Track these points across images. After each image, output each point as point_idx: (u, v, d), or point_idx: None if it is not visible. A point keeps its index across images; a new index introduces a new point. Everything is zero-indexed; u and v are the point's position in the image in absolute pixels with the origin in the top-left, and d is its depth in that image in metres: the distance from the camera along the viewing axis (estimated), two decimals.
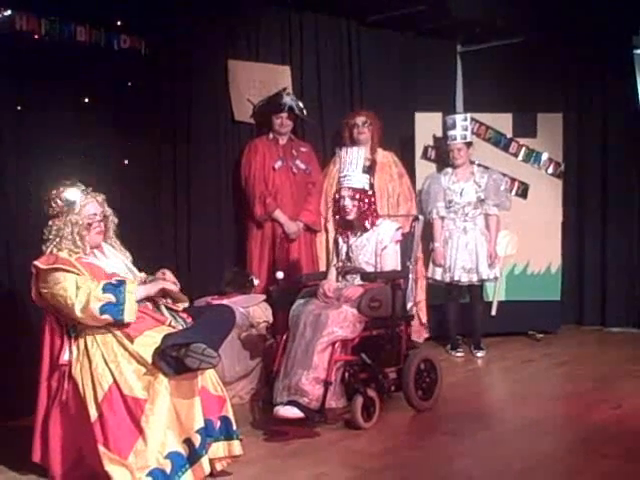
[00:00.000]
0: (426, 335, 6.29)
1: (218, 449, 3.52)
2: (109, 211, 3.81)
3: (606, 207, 6.87)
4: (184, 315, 3.77)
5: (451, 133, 6.06)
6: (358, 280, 4.61)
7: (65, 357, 3.53)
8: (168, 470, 3.35)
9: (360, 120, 5.92)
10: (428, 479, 3.73)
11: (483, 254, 5.97)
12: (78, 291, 3.44)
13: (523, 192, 6.55)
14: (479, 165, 6.20)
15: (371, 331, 4.47)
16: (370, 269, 4.65)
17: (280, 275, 4.77)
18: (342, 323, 4.31)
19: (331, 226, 5.65)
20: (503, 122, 6.55)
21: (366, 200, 4.66)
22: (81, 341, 3.51)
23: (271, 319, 5.13)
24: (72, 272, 3.52)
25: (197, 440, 3.39)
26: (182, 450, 3.39)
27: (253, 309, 5.10)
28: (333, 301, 4.46)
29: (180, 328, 3.64)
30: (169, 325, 3.64)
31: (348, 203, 4.62)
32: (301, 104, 5.95)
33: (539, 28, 6.69)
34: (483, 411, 4.76)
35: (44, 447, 3.56)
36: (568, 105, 6.93)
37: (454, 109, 7.10)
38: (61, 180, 3.75)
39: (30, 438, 3.62)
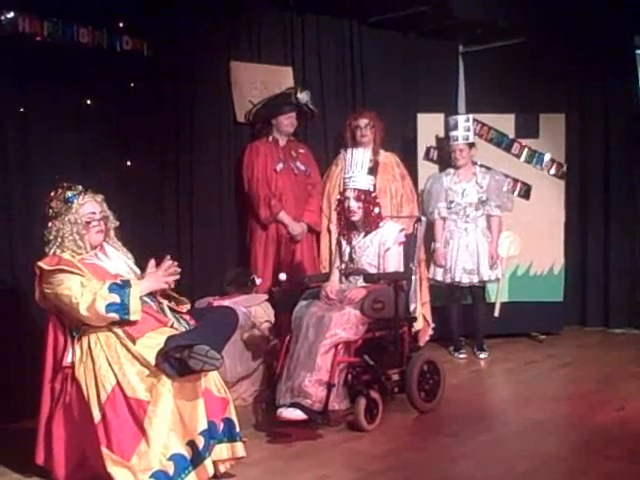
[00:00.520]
0: (428, 336, 6.27)
1: (221, 451, 3.51)
2: (109, 212, 3.81)
3: (609, 208, 6.86)
4: (187, 317, 3.78)
5: (453, 134, 6.06)
6: (361, 282, 4.61)
7: (68, 359, 3.54)
8: (171, 472, 3.34)
9: (363, 122, 5.92)
10: None
11: (484, 255, 5.96)
12: (83, 290, 3.45)
13: (525, 193, 6.54)
14: (481, 166, 6.20)
15: (374, 333, 4.48)
16: (373, 270, 4.65)
17: (283, 277, 4.78)
18: (345, 325, 4.31)
19: (334, 227, 5.64)
20: (505, 123, 6.54)
21: (371, 201, 4.66)
22: (84, 342, 3.51)
23: (273, 319, 5.12)
24: (75, 273, 3.53)
25: (200, 442, 3.39)
26: (185, 452, 3.39)
27: (255, 309, 5.09)
28: (336, 303, 4.47)
29: (183, 330, 3.64)
30: (171, 327, 3.64)
31: (354, 204, 4.62)
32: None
33: (541, 28, 6.68)
34: (486, 412, 4.75)
35: (47, 449, 3.57)
36: (570, 106, 6.92)
37: (456, 110, 7.10)
38: (60, 182, 3.77)
39: (33, 440, 3.63)
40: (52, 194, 3.70)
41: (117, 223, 3.84)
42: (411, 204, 6.10)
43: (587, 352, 6.18)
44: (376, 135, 5.96)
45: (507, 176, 6.35)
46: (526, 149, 6.57)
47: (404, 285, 4.63)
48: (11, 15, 4.54)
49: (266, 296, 5.28)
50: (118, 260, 3.80)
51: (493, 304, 6.33)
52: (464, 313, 6.13)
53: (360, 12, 6.45)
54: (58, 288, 3.49)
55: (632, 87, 6.75)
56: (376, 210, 4.70)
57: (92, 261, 3.68)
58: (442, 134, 6.40)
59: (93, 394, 3.42)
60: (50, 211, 3.69)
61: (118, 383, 3.41)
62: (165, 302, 3.77)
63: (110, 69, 4.99)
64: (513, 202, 6.29)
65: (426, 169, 6.43)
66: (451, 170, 6.12)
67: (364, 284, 4.57)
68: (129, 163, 5.15)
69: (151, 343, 3.47)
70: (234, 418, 3.59)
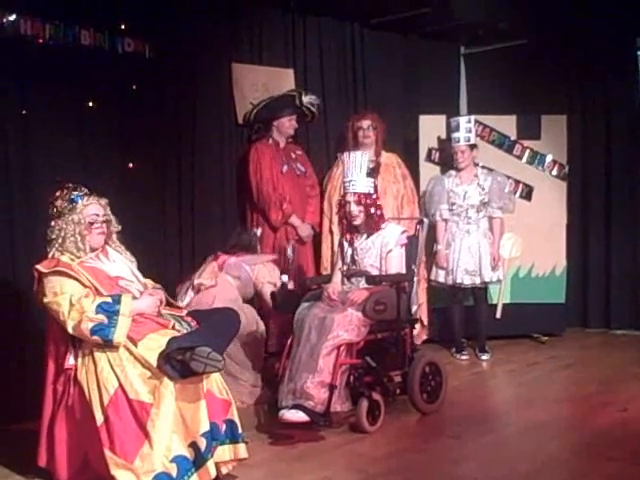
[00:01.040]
0: (425, 337, 6.27)
1: (224, 452, 3.51)
2: (112, 217, 3.82)
3: (610, 209, 6.86)
4: (188, 319, 3.78)
5: (455, 135, 6.06)
6: (363, 283, 4.62)
7: (70, 361, 3.54)
8: (174, 474, 3.34)
9: (366, 123, 5.92)
10: None
11: (486, 257, 5.96)
12: (71, 308, 3.45)
13: (527, 194, 6.54)
14: (483, 167, 6.20)
15: (376, 334, 4.48)
16: (375, 272, 4.66)
17: (284, 278, 4.78)
18: (347, 326, 4.31)
19: (336, 229, 5.65)
20: (507, 124, 6.54)
21: (372, 204, 4.66)
22: (86, 345, 3.51)
23: (278, 282, 5.08)
24: (72, 277, 3.53)
25: (203, 444, 3.39)
26: (188, 454, 3.39)
27: (258, 268, 5.06)
28: (338, 304, 4.47)
29: (185, 331, 3.64)
30: (172, 328, 3.64)
31: (354, 209, 4.63)
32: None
33: (542, 30, 6.68)
34: (488, 414, 4.75)
35: (50, 451, 3.57)
36: (571, 107, 6.92)
37: (458, 111, 7.11)
38: (65, 182, 3.78)
39: (36, 442, 3.63)
40: (57, 193, 3.71)
41: (119, 227, 3.85)
42: (412, 205, 6.12)
43: (589, 353, 6.18)
44: (378, 136, 5.97)
45: (509, 177, 6.35)
46: (528, 150, 6.57)
47: (406, 287, 4.64)
48: (13, 17, 4.55)
49: (273, 256, 5.27)
50: (120, 263, 3.80)
51: (495, 305, 6.33)
52: (466, 314, 6.13)
53: (361, 14, 6.46)
54: (49, 298, 3.50)
55: (633, 88, 6.74)
56: (377, 212, 4.69)
57: (92, 264, 3.68)
58: (444, 135, 6.40)
59: (95, 397, 3.42)
60: (54, 210, 3.69)
61: (120, 385, 3.40)
62: (161, 308, 3.76)
63: (112, 71, 5.00)
64: (515, 203, 6.29)
65: (428, 171, 6.43)
66: (453, 172, 6.12)
67: (366, 286, 4.57)
68: (131, 165, 5.15)
69: (152, 345, 3.47)
70: (236, 420, 3.59)
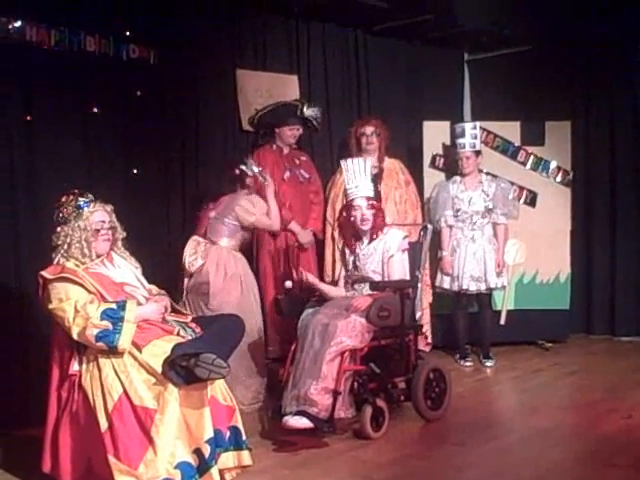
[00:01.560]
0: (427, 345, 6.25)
1: (228, 459, 3.52)
2: (117, 223, 3.82)
3: (615, 215, 6.86)
4: (193, 325, 3.78)
5: (460, 141, 6.06)
6: (367, 289, 4.62)
7: (75, 367, 3.54)
8: None
9: (369, 130, 5.92)
10: None
11: (491, 263, 5.96)
12: (76, 315, 3.45)
13: (531, 200, 6.54)
14: (487, 174, 6.20)
15: (380, 341, 4.48)
16: (377, 278, 4.66)
17: (289, 284, 4.77)
18: (351, 333, 4.31)
19: (337, 235, 5.66)
20: (511, 130, 6.55)
21: (378, 208, 4.73)
22: (91, 351, 3.51)
23: (264, 209, 5.03)
24: (78, 283, 3.54)
25: (207, 450, 3.39)
26: (192, 460, 3.38)
27: (237, 210, 5.02)
28: (342, 311, 4.46)
29: (189, 338, 3.64)
30: (177, 334, 3.64)
31: (367, 212, 4.65)
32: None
33: (546, 36, 6.69)
34: (492, 421, 4.75)
35: (54, 457, 3.56)
36: (576, 113, 6.93)
37: (462, 117, 7.11)
38: (70, 189, 3.78)
39: (40, 448, 3.63)
40: (63, 199, 3.72)
41: (124, 234, 3.86)
42: (415, 210, 6.11)
43: (593, 360, 6.17)
44: (381, 143, 5.96)
45: (513, 184, 6.35)
46: (532, 157, 6.57)
47: (410, 293, 4.63)
48: (19, 24, 4.57)
49: (246, 192, 5.15)
50: (125, 269, 3.81)
51: (499, 312, 6.32)
52: (470, 321, 6.12)
53: (365, 20, 6.47)
54: (55, 304, 3.50)
55: (637, 94, 6.74)
56: (380, 217, 4.72)
57: (97, 270, 3.68)
58: (448, 142, 6.41)
59: (100, 403, 3.42)
60: (60, 216, 3.70)
61: (125, 391, 3.40)
62: (165, 315, 3.76)
63: (116, 77, 5.02)
64: (519, 210, 6.29)
65: (432, 177, 6.44)
66: (457, 178, 6.12)
67: (370, 292, 4.57)
68: (135, 171, 5.16)
69: (157, 351, 3.47)
70: (240, 426, 3.59)
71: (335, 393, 4.19)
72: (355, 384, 4.35)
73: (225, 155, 5.79)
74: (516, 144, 6.56)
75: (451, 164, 6.32)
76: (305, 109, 5.83)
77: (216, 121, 5.72)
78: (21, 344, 4.56)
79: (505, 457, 4.07)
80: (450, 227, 6.04)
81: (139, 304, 3.65)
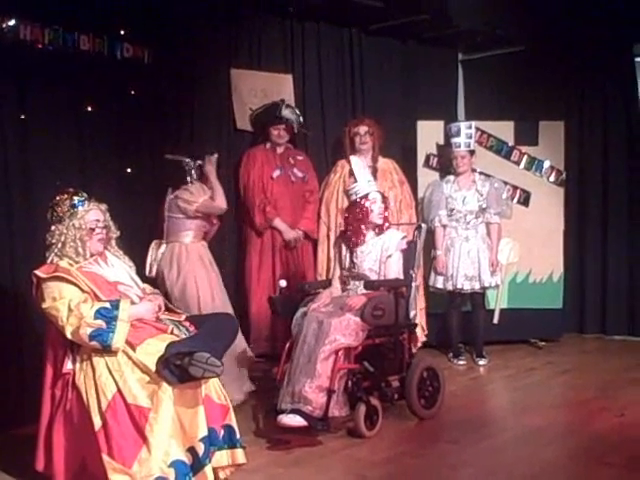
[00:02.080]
0: (421, 341, 6.25)
1: (222, 458, 3.51)
2: (111, 222, 3.82)
3: (607, 215, 6.87)
4: (186, 324, 3.78)
5: (455, 140, 6.06)
6: (361, 288, 4.63)
7: (68, 366, 3.54)
8: (172, 479, 3.34)
9: (362, 129, 5.93)
10: None
11: (485, 262, 5.96)
12: (70, 314, 3.45)
13: (525, 200, 6.54)
14: (481, 173, 6.21)
15: (374, 339, 4.48)
16: (374, 276, 4.67)
17: (283, 283, 4.78)
18: (345, 331, 4.32)
19: (333, 234, 5.68)
20: (505, 130, 6.55)
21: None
22: (84, 350, 3.51)
23: (203, 202, 4.97)
24: (71, 282, 3.54)
25: (201, 449, 3.39)
26: (186, 459, 3.38)
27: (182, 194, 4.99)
28: (337, 309, 4.47)
29: (183, 336, 3.64)
30: (171, 333, 3.64)
31: (382, 205, 4.73)
32: (300, 116, 5.97)
33: (540, 36, 6.71)
34: (485, 419, 4.76)
35: (48, 456, 3.56)
36: (569, 113, 6.94)
37: (456, 117, 7.13)
38: (65, 187, 3.78)
39: (34, 446, 3.63)
40: (58, 198, 3.71)
41: (118, 233, 3.85)
42: (410, 210, 6.13)
43: (586, 359, 6.19)
44: (375, 142, 5.98)
45: (506, 183, 6.37)
46: (525, 156, 6.57)
47: (404, 292, 4.64)
48: (12, 23, 4.57)
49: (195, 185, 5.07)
50: (119, 268, 3.81)
51: (492, 311, 6.34)
52: (463, 320, 6.13)
53: (360, 20, 6.47)
54: (48, 303, 3.50)
55: (631, 95, 6.76)
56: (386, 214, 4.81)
57: (91, 269, 3.68)
58: (442, 141, 6.42)
59: (93, 401, 3.41)
60: (54, 215, 3.69)
61: (119, 390, 3.40)
62: (159, 314, 3.76)
63: (110, 76, 5.02)
64: (512, 209, 6.32)
65: (426, 176, 6.44)
66: (451, 177, 6.13)
67: (364, 291, 4.58)
68: (129, 170, 5.16)
69: (151, 350, 3.47)
70: (234, 425, 3.59)
71: (329, 391, 4.20)
72: (349, 383, 4.35)
73: (220, 154, 5.78)
74: (510, 144, 6.56)
75: (445, 163, 6.33)
76: (283, 109, 5.85)
77: (211, 120, 5.73)
78: (15, 343, 4.56)
79: (499, 455, 4.09)
80: (444, 226, 6.04)
81: (133, 303, 3.65)
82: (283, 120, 5.84)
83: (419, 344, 6.01)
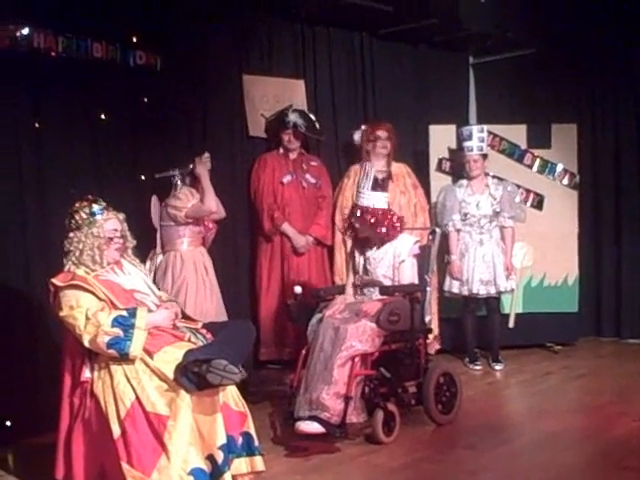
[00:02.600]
0: (437, 347, 6.25)
1: (241, 465, 3.50)
2: (127, 232, 3.82)
3: (621, 217, 6.84)
4: (203, 331, 3.77)
5: (467, 144, 6.05)
6: (376, 294, 4.61)
7: (86, 374, 3.53)
8: None
9: (383, 133, 5.93)
10: None
11: (500, 266, 5.95)
12: (87, 322, 3.45)
13: (538, 203, 6.53)
14: (493, 177, 6.19)
15: (390, 345, 4.47)
16: (388, 282, 4.66)
17: (298, 289, 4.77)
18: (361, 337, 4.31)
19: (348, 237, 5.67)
20: (517, 133, 6.54)
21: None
22: (102, 358, 3.50)
23: (192, 206, 4.94)
24: (88, 291, 3.53)
25: (220, 456, 3.37)
26: (205, 466, 3.37)
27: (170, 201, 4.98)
28: (352, 315, 4.46)
29: (200, 344, 3.63)
30: (188, 340, 3.63)
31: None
32: (311, 119, 5.97)
33: (551, 39, 6.69)
34: (503, 424, 4.75)
35: (67, 464, 3.55)
36: (581, 116, 6.92)
37: (467, 121, 7.11)
38: (83, 195, 3.78)
39: (53, 455, 3.62)
40: (77, 205, 3.70)
41: (135, 242, 3.85)
42: (425, 213, 6.13)
43: (602, 363, 6.16)
44: (392, 147, 5.98)
45: (519, 187, 6.35)
46: (538, 159, 6.55)
47: (419, 297, 4.63)
48: (26, 31, 4.58)
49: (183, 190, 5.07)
50: (135, 276, 3.81)
51: (507, 315, 6.31)
52: (478, 324, 6.11)
53: (370, 24, 6.47)
54: (66, 312, 3.50)
55: None
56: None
57: (107, 277, 3.68)
58: (454, 145, 6.40)
59: (112, 410, 3.40)
60: (72, 222, 3.68)
61: (137, 398, 3.39)
62: (176, 321, 3.76)
63: (123, 83, 5.03)
64: (526, 213, 6.30)
65: (438, 180, 6.43)
66: (464, 182, 6.11)
67: (379, 297, 4.57)
68: (142, 177, 5.16)
69: (168, 357, 3.46)
70: (253, 432, 3.58)
71: (347, 398, 4.19)
72: (366, 389, 4.35)
73: (233, 161, 5.81)
74: (522, 147, 6.55)
75: (457, 167, 6.32)
76: (290, 114, 5.86)
77: (223, 127, 5.74)
78: (31, 351, 4.56)
79: (516, 461, 4.07)
80: (458, 231, 6.03)
81: (150, 311, 3.64)
82: (290, 125, 5.84)
83: (436, 348, 5.99)
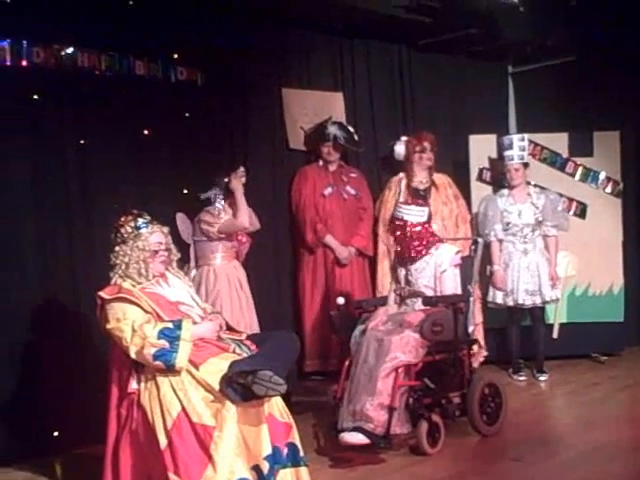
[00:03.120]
0: (482, 358, 6.20)
1: (286, 476, 3.50)
2: (172, 245, 3.87)
3: None
4: (247, 342, 3.79)
5: (508, 153, 6.02)
6: (419, 304, 4.60)
7: (133, 385, 3.57)
8: None
9: (428, 145, 5.93)
10: None
11: (545, 275, 5.89)
12: (134, 334, 3.49)
13: (581, 212, 6.45)
14: (535, 186, 6.15)
15: (434, 356, 4.45)
16: (430, 293, 4.65)
17: (341, 301, 4.78)
18: (405, 348, 4.30)
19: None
20: (558, 142, 6.48)
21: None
22: (149, 369, 3.54)
23: (224, 222, 4.96)
24: (135, 303, 3.58)
25: (265, 467, 3.39)
26: (250, 477, 3.38)
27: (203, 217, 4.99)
28: (396, 326, 4.45)
29: (245, 355, 3.65)
30: (233, 352, 3.66)
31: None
32: (350, 131, 5.99)
33: (590, 46, 6.62)
34: (549, 436, 4.69)
35: (115, 475, 3.59)
36: (624, 123, 6.83)
37: (507, 130, 7.06)
38: (126, 209, 3.84)
39: (101, 466, 3.66)
40: (122, 219, 3.77)
41: (179, 255, 3.91)
42: (466, 224, 6.10)
43: None
44: (434, 157, 5.97)
45: (562, 195, 6.29)
46: (580, 168, 6.48)
47: (462, 307, 4.61)
48: (70, 50, 4.69)
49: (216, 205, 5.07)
50: (180, 288, 3.85)
51: (551, 325, 6.24)
52: (522, 334, 6.05)
53: (409, 36, 6.48)
54: (112, 324, 3.55)
55: None
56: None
57: (153, 290, 3.72)
58: (494, 155, 6.37)
59: (159, 420, 3.44)
60: (118, 236, 3.75)
61: (183, 409, 3.42)
62: (220, 333, 3.79)
63: (165, 99, 5.10)
64: (569, 221, 6.23)
65: (479, 190, 6.39)
66: (505, 191, 6.07)
67: (422, 307, 4.56)
68: (186, 191, 5.22)
69: (214, 369, 3.49)
70: (298, 443, 3.58)
71: (391, 409, 4.18)
72: (410, 400, 4.33)
73: (274, 173, 5.85)
74: (564, 155, 6.48)
75: (498, 177, 6.28)
76: (329, 126, 5.89)
77: (264, 140, 5.78)
78: (80, 363, 4.63)
79: (564, 473, 4.02)
80: (500, 241, 5.98)
81: (194, 323, 3.68)
82: (329, 137, 5.86)
83: (481, 359, 5.94)
